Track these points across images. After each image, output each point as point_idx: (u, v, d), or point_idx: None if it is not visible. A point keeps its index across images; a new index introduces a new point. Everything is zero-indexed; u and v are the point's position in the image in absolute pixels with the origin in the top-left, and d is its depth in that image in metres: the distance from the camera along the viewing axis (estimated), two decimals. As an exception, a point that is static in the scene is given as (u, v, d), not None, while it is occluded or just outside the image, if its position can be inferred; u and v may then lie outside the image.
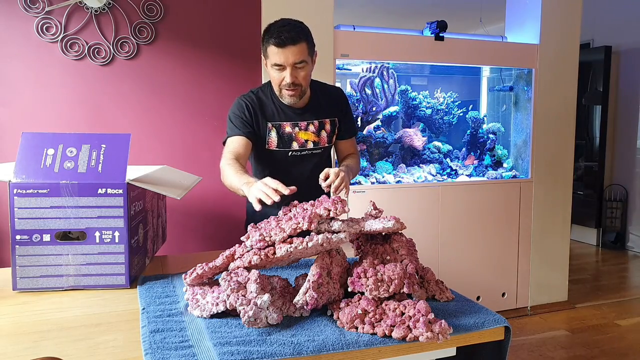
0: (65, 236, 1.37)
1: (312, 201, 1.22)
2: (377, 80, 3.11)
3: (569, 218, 3.45)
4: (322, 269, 1.10)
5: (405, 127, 3.27)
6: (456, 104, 3.40)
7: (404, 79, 3.36)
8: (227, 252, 1.20)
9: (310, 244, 1.09)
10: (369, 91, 3.10)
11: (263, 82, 2.56)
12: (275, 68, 1.58)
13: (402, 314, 1.02)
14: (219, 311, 1.09)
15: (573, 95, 3.37)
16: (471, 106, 3.50)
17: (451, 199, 3.07)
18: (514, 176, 3.31)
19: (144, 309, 1.16)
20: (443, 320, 1.00)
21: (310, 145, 1.73)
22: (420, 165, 3.20)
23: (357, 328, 1.03)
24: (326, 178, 1.48)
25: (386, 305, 1.05)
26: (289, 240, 1.12)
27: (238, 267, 1.13)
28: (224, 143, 1.71)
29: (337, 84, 2.94)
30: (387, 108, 3.19)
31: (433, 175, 3.14)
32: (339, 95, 1.82)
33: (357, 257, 1.27)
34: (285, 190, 1.25)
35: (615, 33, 4.97)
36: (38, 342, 1.03)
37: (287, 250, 1.10)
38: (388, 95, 3.14)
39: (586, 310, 3.35)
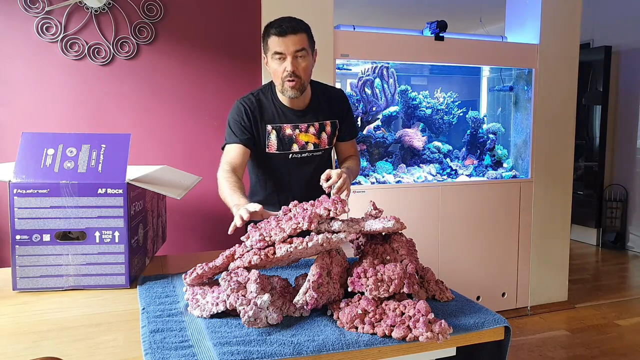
0: (65, 236, 1.37)
1: (312, 201, 1.22)
2: (377, 80, 3.11)
3: (569, 218, 3.45)
4: (322, 269, 1.10)
5: (405, 127, 3.27)
6: (456, 104, 3.40)
7: (404, 79, 3.36)
8: (227, 252, 1.20)
9: (310, 244, 1.09)
10: (368, 91, 3.10)
11: (263, 83, 2.56)
12: (276, 58, 1.58)
13: (402, 314, 1.02)
14: (219, 311, 1.09)
15: (573, 95, 3.37)
16: (470, 108, 3.50)
17: (451, 199, 3.07)
18: (514, 176, 3.31)
19: (144, 309, 1.16)
20: (443, 320, 1.00)
21: (310, 147, 1.73)
22: (420, 165, 3.20)
23: (357, 328, 1.03)
24: (327, 179, 1.48)
25: (386, 305, 1.05)
26: (289, 240, 1.12)
27: (238, 267, 1.13)
28: (222, 148, 1.71)
29: (337, 84, 2.94)
30: (387, 108, 3.19)
31: (433, 175, 3.14)
32: (340, 97, 1.82)
33: (357, 257, 1.27)
34: (257, 208, 1.28)
35: (615, 33, 4.97)
36: (38, 342, 1.03)
37: (287, 250, 1.10)
38: (388, 95, 3.14)
39: (586, 310, 3.35)
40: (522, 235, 3.29)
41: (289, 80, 1.59)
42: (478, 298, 3.15)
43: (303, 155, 1.73)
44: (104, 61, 2.44)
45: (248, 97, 1.71)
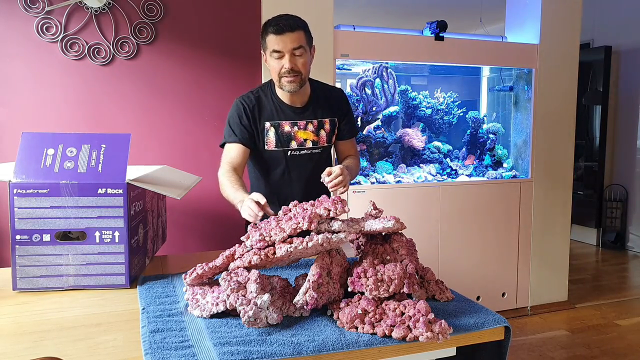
0: (65, 236, 1.37)
1: (312, 201, 1.22)
2: (377, 80, 3.11)
3: (569, 218, 3.45)
4: (322, 269, 1.10)
5: (405, 127, 3.27)
6: (456, 104, 3.40)
7: (404, 79, 3.36)
8: (227, 252, 1.20)
9: (310, 244, 1.09)
10: (369, 91, 3.10)
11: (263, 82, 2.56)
12: (275, 56, 1.60)
13: (402, 314, 1.02)
14: (219, 311, 1.09)
15: (573, 95, 3.36)
16: (469, 110, 3.50)
17: (451, 199, 3.07)
18: (514, 176, 3.31)
19: (144, 309, 1.16)
20: (443, 320, 1.00)
21: (309, 144, 1.73)
22: (420, 165, 3.20)
23: (357, 328, 1.03)
24: (329, 174, 1.48)
25: (386, 305, 1.05)
26: (289, 240, 1.12)
27: (238, 267, 1.13)
28: (221, 146, 1.72)
29: (337, 84, 2.94)
30: (387, 108, 3.19)
31: (433, 175, 3.14)
32: (340, 96, 1.83)
33: (357, 257, 1.27)
34: (262, 200, 1.32)
35: (615, 33, 4.97)
36: (38, 342, 1.03)
37: (287, 250, 1.10)
38: (388, 95, 3.14)
39: (586, 310, 3.35)
40: (522, 236, 3.29)
41: (287, 77, 1.61)
42: (478, 298, 3.15)
43: (301, 152, 1.73)
44: (104, 61, 2.44)
45: (247, 95, 1.73)
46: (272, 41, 1.58)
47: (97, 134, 1.43)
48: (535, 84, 3.24)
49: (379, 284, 1.06)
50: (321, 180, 1.51)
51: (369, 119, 3.18)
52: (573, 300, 3.48)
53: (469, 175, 3.26)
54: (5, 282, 1.38)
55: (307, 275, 1.12)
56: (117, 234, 1.34)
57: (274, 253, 1.12)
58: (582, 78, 3.78)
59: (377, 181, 2.97)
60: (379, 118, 3.22)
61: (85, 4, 2.37)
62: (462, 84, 3.56)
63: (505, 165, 3.41)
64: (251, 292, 1.05)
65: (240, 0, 2.64)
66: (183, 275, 1.19)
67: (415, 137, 3.20)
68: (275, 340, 0.98)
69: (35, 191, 1.30)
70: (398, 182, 3.00)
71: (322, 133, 1.76)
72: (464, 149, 3.41)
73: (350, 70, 3.19)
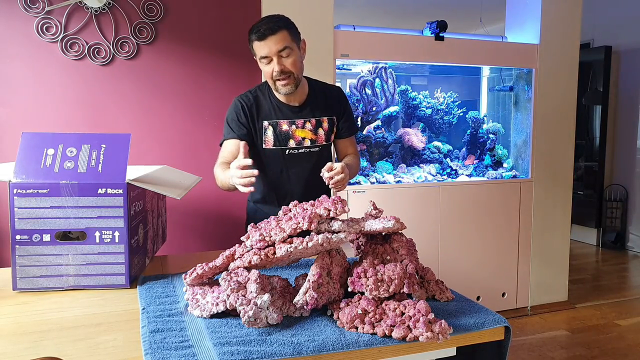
0: (65, 236, 1.37)
1: (312, 201, 1.22)
2: (377, 80, 3.11)
3: (569, 218, 3.45)
4: (322, 269, 1.10)
5: (405, 127, 3.27)
6: (456, 104, 3.40)
7: (404, 79, 3.36)
8: (227, 252, 1.20)
9: (310, 244, 1.09)
10: (369, 91, 3.10)
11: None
12: (264, 62, 1.61)
13: (402, 314, 1.02)
14: (219, 311, 1.09)
15: (573, 95, 3.37)
16: (469, 110, 3.50)
17: (451, 199, 3.07)
18: (514, 176, 3.31)
19: (144, 309, 1.16)
20: (443, 320, 1.00)
21: (307, 143, 1.73)
22: (420, 165, 3.20)
23: (357, 328, 1.03)
24: (330, 170, 1.48)
25: (386, 305, 1.05)
26: (289, 240, 1.12)
27: (238, 267, 1.13)
28: (220, 144, 1.72)
29: (337, 84, 2.94)
30: (387, 108, 3.19)
31: (433, 175, 3.14)
32: (338, 94, 1.82)
33: (357, 257, 1.27)
34: (248, 161, 1.35)
35: (615, 33, 4.97)
36: (38, 342, 1.03)
37: (287, 250, 1.10)
38: (388, 95, 3.14)
39: (586, 310, 3.35)
40: (522, 235, 3.29)
41: (280, 79, 1.61)
42: (478, 298, 3.15)
43: (300, 151, 1.73)
44: (104, 61, 2.44)
45: (245, 94, 1.73)
46: (258, 47, 1.59)
47: (97, 134, 1.43)
48: (535, 84, 3.24)
49: (379, 284, 1.06)
50: (320, 174, 1.50)
51: (369, 119, 3.18)
52: (573, 300, 3.48)
53: (469, 175, 3.26)
54: (5, 282, 1.38)
55: (307, 275, 1.12)
56: (117, 234, 1.34)
57: (274, 253, 1.12)
58: (582, 78, 3.79)
59: (377, 181, 2.97)
60: (379, 118, 3.22)
61: (85, 4, 2.37)
62: (462, 84, 3.56)
63: (505, 165, 3.41)
64: (251, 292, 1.05)
65: (240, 0, 2.64)
66: (183, 275, 1.19)
67: (416, 137, 3.20)
68: (275, 340, 0.98)
69: (35, 191, 1.30)
70: (398, 182, 3.00)
71: (321, 132, 1.76)
72: (464, 149, 3.41)
73: (350, 70, 3.19)
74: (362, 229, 1.16)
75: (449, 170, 3.23)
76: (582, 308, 3.40)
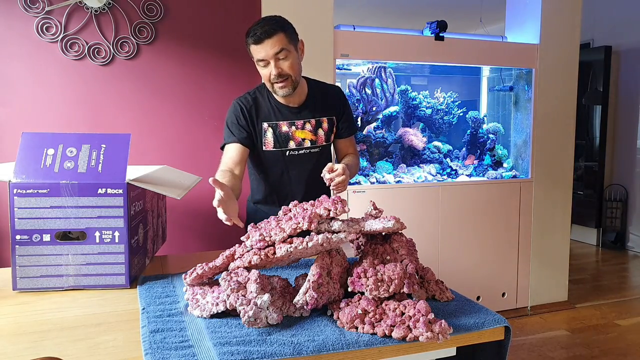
0: (65, 236, 1.37)
1: (312, 201, 1.22)
2: (376, 80, 3.11)
3: (569, 218, 3.45)
4: (322, 269, 1.10)
5: (405, 127, 3.27)
6: (456, 104, 3.40)
7: (404, 79, 3.36)
8: (227, 252, 1.20)
9: (310, 244, 1.09)
10: (369, 91, 3.10)
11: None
12: (261, 65, 1.61)
13: (402, 314, 1.02)
14: (219, 311, 1.09)
15: (573, 95, 3.37)
16: (469, 110, 3.50)
17: (451, 199, 3.07)
18: (514, 176, 3.31)
19: (144, 309, 1.16)
20: (443, 320, 1.00)
21: (307, 144, 1.73)
22: (420, 165, 3.20)
23: (357, 328, 1.03)
24: (331, 170, 1.48)
25: (386, 305, 1.05)
26: (289, 240, 1.12)
27: (238, 267, 1.13)
28: (221, 148, 1.72)
29: (337, 84, 2.94)
30: (387, 108, 3.19)
31: (433, 175, 3.14)
32: (337, 94, 1.82)
33: (357, 257, 1.27)
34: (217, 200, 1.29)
35: (615, 33, 4.97)
36: (38, 342, 1.03)
37: (287, 250, 1.10)
38: (387, 95, 3.14)
39: (586, 310, 3.35)
40: (522, 236, 3.29)
41: (277, 82, 1.61)
42: (478, 298, 3.15)
43: (300, 152, 1.73)
44: (104, 61, 2.44)
45: (244, 96, 1.73)
46: (254, 51, 1.58)
47: (97, 134, 1.43)
48: (535, 84, 3.24)
49: (379, 284, 1.06)
50: (322, 175, 1.50)
51: (369, 119, 3.18)
52: (573, 300, 3.48)
53: (469, 175, 3.26)
54: (5, 282, 1.38)
55: (307, 275, 1.12)
56: (117, 234, 1.34)
57: (274, 253, 1.12)
58: (582, 78, 3.79)
59: (377, 181, 2.97)
60: (379, 118, 3.22)
61: (85, 4, 2.37)
62: (462, 84, 3.56)
63: (505, 165, 3.41)
64: (251, 292, 1.05)
65: (240, 1, 2.64)
66: (183, 275, 1.19)
67: (416, 137, 3.20)
68: (275, 340, 0.98)
69: (35, 191, 1.30)
70: (398, 182, 3.00)
71: (320, 132, 1.75)
72: (464, 149, 3.41)
73: (350, 70, 3.19)
74: (362, 229, 1.16)
75: (449, 170, 3.23)
76: (582, 308, 3.40)
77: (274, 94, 1.70)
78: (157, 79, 2.53)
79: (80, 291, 1.33)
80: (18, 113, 2.35)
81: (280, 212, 1.25)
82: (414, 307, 1.02)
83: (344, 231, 1.13)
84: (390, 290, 1.05)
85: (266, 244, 1.14)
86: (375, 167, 3.09)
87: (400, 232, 1.24)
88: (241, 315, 1.03)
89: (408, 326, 0.99)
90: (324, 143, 1.77)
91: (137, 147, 2.35)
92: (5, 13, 2.30)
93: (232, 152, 1.66)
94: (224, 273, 1.10)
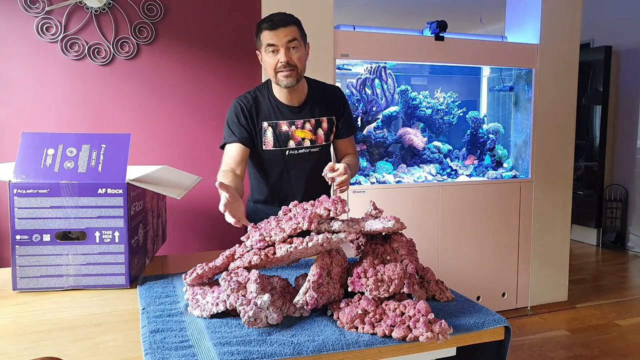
0: (65, 236, 1.37)
1: (312, 201, 1.22)
2: (376, 80, 3.11)
3: (569, 218, 3.45)
4: (322, 269, 1.10)
5: (405, 127, 3.27)
6: (456, 104, 3.40)
7: (404, 79, 3.36)
8: (227, 252, 1.20)
9: (310, 244, 1.09)
10: (369, 91, 3.10)
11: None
12: (270, 51, 1.60)
13: (402, 314, 1.02)
14: (219, 311, 1.09)
15: (573, 95, 3.36)
16: (469, 110, 3.50)
17: (451, 199, 3.07)
18: (514, 176, 3.31)
19: (144, 309, 1.16)
20: (443, 320, 1.00)
21: (307, 143, 1.73)
22: (421, 165, 3.20)
23: (357, 328, 1.03)
24: (333, 169, 1.48)
25: (386, 305, 1.05)
26: (289, 240, 1.12)
27: (238, 267, 1.13)
28: (221, 147, 1.72)
29: (337, 84, 2.94)
30: (387, 108, 3.19)
31: (433, 175, 3.14)
32: (337, 94, 1.82)
33: (357, 257, 1.27)
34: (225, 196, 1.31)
35: (615, 33, 4.97)
36: (38, 342, 1.03)
37: (287, 250, 1.10)
38: (387, 95, 3.14)
39: (586, 310, 3.35)
40: (522, 236, 3.29)
41: (283, 71, 1.61)
42: (478, 298, 3.15)
43: (300, 151, 1.73)
44: (104, 61, 2.44)
45: (245, 96, 1.73)
46: (267, 36, 1.59)
47: (97, 134, 1.43)
48: (535, 84, 3.24)
49: (379, 284, 1.06)
50: (323, 174, 1.51)
51: (369, 119, 3.18)
52: (573, 300, 3.48)
53: (469, 175, 3.26)
54: (5, 282, 1.38)
55: (307, 275, 1.12)
56: (117, 234, 1.34)
57: (274, 253, 1.12)
58: (582, 78, 3.79)
59: (377, 181, 2.97)
60: (379, 118, 3.22)
61: (85, 4, 2.37)
62: (462, 84, 3.56)
63: (505, 165, 3.41)
64: (251, 292, 1.05)
65: (240, 1, 2.64)
66: (183, 275, 1.19)
67: (416, 137, 3.20)
68: (275, 340, 0.98)
69: (35, 191, 1.30)
70: (398, 182, 3.00)
71: (320, 132, 1.76)
72: (464, 149, 3.41)
73: (350, 70, 3.19)
74: (362, 229, 1.16)
75: (449, 170, 3.23)
76: (582, 308, 3.39)
77: (275, 90, 1.70)
78: (157, 79, 2.53)
79: (80, 291, 1.33)
80: (18, 113, 2.35)
81: (280, 212, 1.25)
82: (414, 307, 1.02)
83: (344, 231, 1.13)
84: (390, 290, 1.05)
85: (266, 244, 1.14)
86: (375, 167, 3.09)
87: (400, 232, 1.24)
88: (241, 315, 1.03)
89: (408, 326, 0.99)
90: (324, 143, 1.78)
91: (137, 147, 2.35)
92: (5, 13, 2.30)
93: (233, 151, 1.67)
94: (224, 273, 1.10)
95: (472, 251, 3.16)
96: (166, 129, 2.57)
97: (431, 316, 1.00)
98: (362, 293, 1.10)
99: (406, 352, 1.01)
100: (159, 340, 0.99)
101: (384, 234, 1.25)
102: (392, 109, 3.21)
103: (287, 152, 1.72)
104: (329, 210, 1.16)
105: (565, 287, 3.48)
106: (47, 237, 1.31)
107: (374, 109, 3.15)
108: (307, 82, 1.76)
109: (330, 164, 1.51)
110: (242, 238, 1.19)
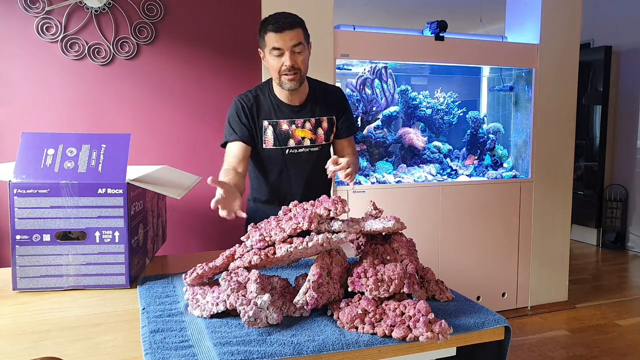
0: (65, 236, 1.37)
1: (312, 201, 1.22)
2: (376, 80, 3.11)
3: (569, 218, 3.45)
4: (322, 269, 1.10)
5: (405, 127, 3.27)
6: (456, 104, 3.40)
7: (404, 79, 3.36)
8: (227, 252, 1.20)
9: (310, 244, 1.09)
10: (369, 91, 3.10)
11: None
12: (274, 54, 1.60)
13: (402, 314, 1.02)
14: (219, 311, 1.09)
15: (573, 95, 3.36)
16: (469, 110, 3.50)
17: (451, 199, 3.07)
18: (514, 176, 3.31)
19: (144, 309, 1.16)
20: (443, 320, 1.00)
21: (307, 142, 1.74)
22: (421, 165, 3.20)
23: (357, 328, 1.03)
24: (335, 163, 1.48)
25: (386, 305, 1.05)
26: (289, 240, 1.12)
27: (238, 267, 1.13)
28: (222, 145, 1.73)
29: (337, 84, 2.94)
30: (387, 108, 3.19)
31: (433, 175, 3.14)
32: (338, 94, 1.83)
33: (357, 257, 1.27)
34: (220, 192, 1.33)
35: (615, 33, 4.97)
36: (38, 342, 1.03)
37: (287, 250, 1.10)
38: (387, 95, 3.14)
39: (586, 310, 3.35)
40: (522, 235, 3.29)
41: (287, 75, 1.61)
42: (478, 298, 3.15)
43: (299, 150, 1.74)
44: (104, 61, 2.44)
45: (245, 94, 1.74)
46: (272, 39, 1.59)
47: (97, 134, 1.43)
48: (535, 84, 3.24)
49: (379, 284, 1.06)
50: (326, 167, 1.51)
51: (369, 119, 3.18)
52: (573, 300, 3.48)
53: (469, 175, 3.26)
54: (5, 282, 1.38)
55: (307, 275, 1.12)
56: (117, 234, 1.34)
57: (274, 253, 1.12)
58: (582, 78, 3.78)
59: (377, 181, 2.97)
60: (379, 118, 3.22)
61: (85, 4, 2.37)
62: (462, 84, 3.56)
63: (505, 165, 3.41)
64: (251, 292, 1.05)
65: (240, 0, 2.64)
66: (183, 275, 1.19)
67: (416, 137, 3.20)
68: (275, 340, 0.98)
69: (35, 191, 1.30)
70: (398, 182, 3.00)
71: (320, 131, 1.76)
72: (464, 149, 3.41)
73: (350, 70, 3.19)
74: (362, 229, 1.16)
75: (449, 170, 3.23)
76: (582, 308, 3.39)
77: (276, 89, 1.71)
78: (157, 79, 2.54)
79: (80, 291, 1.33)
80: (18, 113, 2.35)
81: (280, 212, 1.25)
82: (414, 307, 1.02)
83: (344, 231, 1.13)
84: (390, 290, 1.05)
85: (266, 244, 1.14)
86: (375, 167, 3.09)
87: (400, 232, 1.24)
88: (241, 315, 1.03)
89: (408, 326, 0.99)
90: (324, 142, 1.78)
91: (137, 147, 2.35)
92: (5, 13, 2.30)
93: (235, 150, 1.68)
94: (224, 273, 1.10)
95: (472, 251, 3.15)
96: (166, 129, 2.57)
97: (431, 316, 1.00)
98: (362, 293, 1.10)
99: (406, 352, 1.01)
100: (159, 340, 0.99)
101: (384, 234, 1.25)
102: (392, 109, 3.21)
103: (286, 151, 1.73)
104: (329, 210, 1.16)
105: (565, 287, 3.48)
106: (47, 237, 1.31)
107: (374, 108, 3.15)
108: (308, 81, 1.76)
109: (334, 157, 1.51)
110: (242, 238, 1.19)
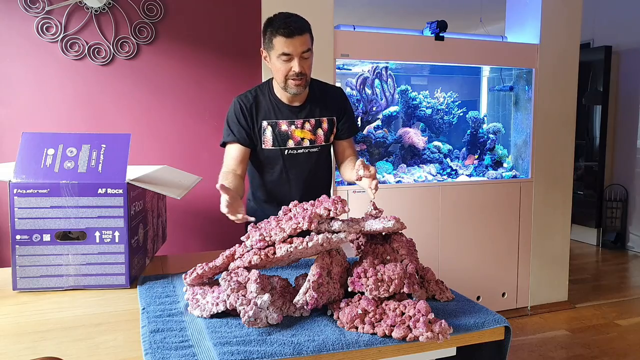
0: (65, 236, 1.37)
1: (312, 201, 1.22)
2: (376, 80, 3.11)
3: (569, 218, 3.45)
4: (322, 269, 1.10)
5: (405, 127, 3.27)
6: (456, 104, 3.40)
7: (404, 79, 3.36)
8: (227, 252, 1.20)
9: (310, 244, 1.09)
10: (369, 91, 3.10)
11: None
12: (283, 58, 1.58)
13: (402, 314, 1.02)
14: (219, 311, 1.09)
15: (573, 95, 3.36)
16: (469, 110, 3.50)
17: (451, 199, 3.07)
18: (514, 176, 3.31)
19: (144, 309, 1.16)
20: (443, 320, 1.00)
21: (306, 143, 1.73)
22: (421, 165, 3.20)
23: (357, 328, 1.03)
24: (365, 168, 1.42)
25: (386, 305, 1.05)
26: (289, 240, 1.12)
27: (238, 267, 1.13)
28: (222, 145, 1.73)
29: (338, 84, 2.94)
30: (387, 108, 3.19)
31: (433, 175, 3.14)
32: (338, 95, 1.82)
33: (357, 257, 1.27)
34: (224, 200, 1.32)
35: (615, 33, 4.97)
36: (38, 342, 1.03)
37: (287, 250, 1.10)
38: (388, 95, 3.14)
39: (586, 310, 3.35)
40: (522, 236, 3.29)
41: (295, 79, 1.61)
42: (478, 298, 3.15)
43: (299, 151, 1.73)
44: (104, 61, 2.44)
45: (245, 95, 1.73)
46: (282, 44, 1.56)
47: (97, 134, 1.43)
48: (535, 84, 3.24)
49: (379, 284, 1.06)
50: (355, 169, 1.43)
51: (369, 119, 3.18)
52: (573, 300, 3.48)
53: (469, 175, 3.26)
54: (5, 282, 1.38)
55: (307, 275, 1.12)
56: (117, 234, 1.34)
57: (274, 253, 1.12)
58: (582, 78, 3.78)
59: (377, 181, 2.96)
60: (379, 118, 3.22)
61: (85, 4, 2.37)
62: (462, 84, 3.56)
63: (505, 165, 3.41)
64: (251, 292, 1.05)
65: (240, 0, 2.64)
66: (183, 275, 1.19)
67: (416, 137, 3.20)
68: (275, 340, 0.98)
69: (35, 191, 1.30)
70: (398, 182, 3.00)
71: (320, 132, 1.75)
72: (464, 149, 3.41)
73: (350, 70, 3.19)
74: (362, 229, 1.16)
75: (449, 170, 3.23)
76: (582, 308, 3.39)
77: (276, 89, 1.70)
78: (157, 79, 2.54)
79: (80, 291, 1.33)
80: (18, 113, 2.35)
81: (280, 212, 1.25)
82: (414, 307, 1.02)
83: (344, 231, 1.13)
84: (390, 290, 1.05)
85: (266, 244, 1.14)
86: (375, 167, 3.08)
87: (400, 232, 1.24)
88: (241, 315, 1.03)
89: (408, 326, 0.99)
90: (323, 143, 1.77)
91: (137, 147, 2.35)
92: (5, 13, 2.30)
93: (234, 152, 1.68)
94: (224, 273, 1.10)
95: (472, 251, 3.15)
96: (166, 129, 2.57)
97: (431, 316, 1.00)
98: (362, 293, 1.10)
99: (406, 352, 1.01)
100: (159, 340, 0.99)
101: (384, 234, 1.25)
102: (392, 109, 3.21)
103: (286, 151, 1.72)
104: (329, 210, 1.16)
105: (565, 287, 3.48)
106: (47, 237, 1.31)
107: (374, 108, 3.15)
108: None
109: (360, 160, 1.45)
110: (242, 238, 1.19)
